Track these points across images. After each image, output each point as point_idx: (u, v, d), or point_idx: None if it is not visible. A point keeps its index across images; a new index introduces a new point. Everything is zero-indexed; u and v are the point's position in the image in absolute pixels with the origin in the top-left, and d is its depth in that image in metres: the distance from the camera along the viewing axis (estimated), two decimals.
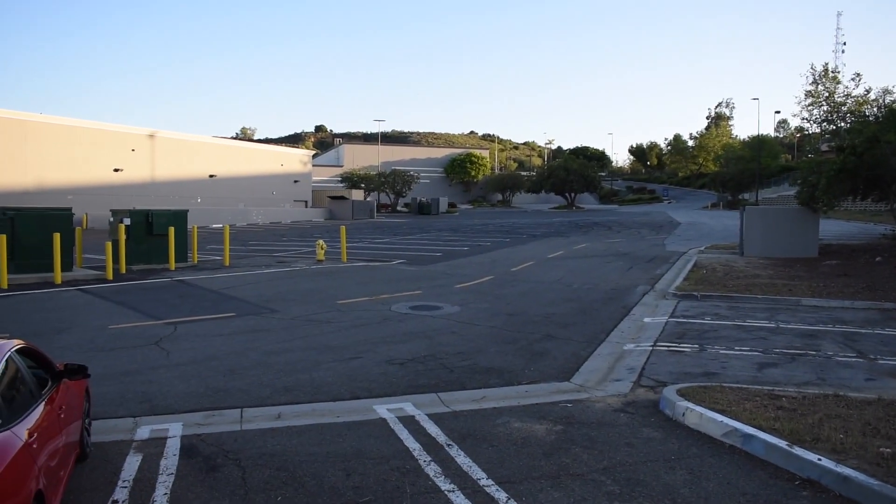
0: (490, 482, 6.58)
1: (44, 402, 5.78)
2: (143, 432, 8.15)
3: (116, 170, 54.51)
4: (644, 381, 10.29)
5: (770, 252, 28.07)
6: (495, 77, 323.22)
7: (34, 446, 4.99)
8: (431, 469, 6.91)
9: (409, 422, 8.41)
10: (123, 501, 6.27)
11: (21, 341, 6.16)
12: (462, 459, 7.16)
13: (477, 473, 6.79)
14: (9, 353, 5.65)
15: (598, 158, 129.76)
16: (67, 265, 20.95)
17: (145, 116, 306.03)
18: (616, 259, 28.67)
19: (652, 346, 12.49)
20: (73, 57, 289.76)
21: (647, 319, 15.13)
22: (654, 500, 6.16)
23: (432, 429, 8.14)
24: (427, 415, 8.67)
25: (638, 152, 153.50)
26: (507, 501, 6.15)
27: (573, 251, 32.83)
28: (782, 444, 6.96)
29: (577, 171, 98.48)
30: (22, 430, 4.97)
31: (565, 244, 36.90)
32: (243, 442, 7.79)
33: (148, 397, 9.52)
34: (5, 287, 18.97)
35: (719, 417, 7.89)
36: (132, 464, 7.17)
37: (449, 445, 7.58)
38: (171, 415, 8.79)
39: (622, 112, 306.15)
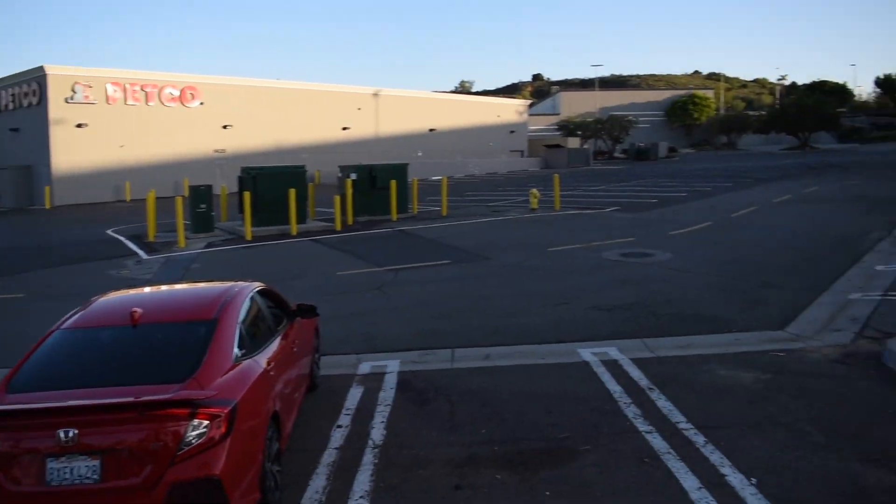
0: (689, 426, 6.60)
1: (280, 337, 6.61)
2: (365, 367, 8.97)
3: (345, 128, 57.99)
4: (868, 331, 9.61)
5: None
6: (720, 8, 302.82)
7: (272, 374, 5.78)
8: (630, 411, 7.04)
9: (612, 365, 8.54)
10: (347, 426, 7.02)
11: (261, 284, 7.05)
12: (662, 403, 7.21)
13: (676, 417, 6.82)
14: (251, 293, 6.51)
15: (837, 93, 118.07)
16: (302, 218, 22.94)
17: (371, 76, 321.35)
18: (850, 203, 26.36)
19: (881, 295, 11.55)
20: (301, 23, 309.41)
21: (879, 267, 13.95)
22: (864, 453, 5.89)
23: (634, 373, 8.22)
24: (630, 359, 8.74)
25: (886, 84, 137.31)
26: (704, 445, 6.16)
27: (802, 195, 30.59)
28: None
29: (811, 107, 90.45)
30: (262, 360, 5.77)
31: (794, 188, 34.42)
32: (453, 379, 8.34)
33: (369, 337, 10.39)
34: (250, 238, 21.19)
35: None
36: (354, 395, 7.96)
37: (650, 389, 7.64)
38: (390, 352, 9.57)
39: (868, 39, 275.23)
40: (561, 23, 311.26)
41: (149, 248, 20.23)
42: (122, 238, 22.76)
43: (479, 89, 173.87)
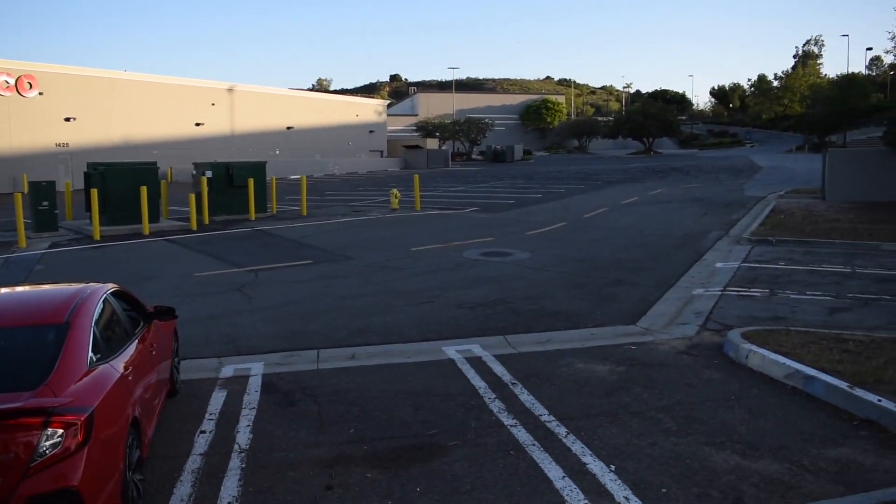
0: (551, 418, 6.88)
1: (137, 340, 6.33)
2: (228, 371, 8.75)
3: (198, 124, 56.07)
4: (710, 324, 10.36)
5: (853, 196, 27.17)
6: (572, 20, 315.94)
7: (130, 378, 5.54)
8: (495, 406, 7.25)
9: (476, 362, 8.76)
10: (211, 431, 6.83)
11: (115, 285, 6.71)
12: (525, 397, 7.47)
13: (539, 410, 7.10)
14: (105, 295, 6.20)
15: (677, 102, 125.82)
16: (154, 217, 21.99)
17: (224, 71, 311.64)
18: (692, 205, 28.24)
19: (721, 290, 12.47)
20: (151, 14, 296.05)
21: (718, 265, 15.05)
22: (710, 437, 6.36)
23: (498, 368, 8.47)
24: (494, 356, 9.00)
25: (720, 94, 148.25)
26: (566, 436, 6.44)
27: (648, 197, 32.45)
28: (843, 385, 7.02)
29: (655, 114, 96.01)
30: (119, 364, 5.52)
31: (640, 190, 36.44)
32: (319, 380, 8.28)
33: (231, 339, 10.13)
34: (98, 238, 20.08)
35: (782, 359, 7.96)
36: (218, 399, 7.75)
37: (513, 384, 7.90)
38: (253, 355, 9.37)
39: (704, 53, 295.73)
40: (419, 24, 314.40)
41: None
42: None
43: (337, 88, 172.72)
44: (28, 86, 44.08)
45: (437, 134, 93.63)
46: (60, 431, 4.33)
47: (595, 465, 5.85)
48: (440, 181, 48.08)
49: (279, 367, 8.88)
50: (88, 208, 20.56)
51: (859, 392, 6.81)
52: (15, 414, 4.25)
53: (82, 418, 4.44)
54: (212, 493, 5.58)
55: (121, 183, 21.37)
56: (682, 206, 28.03)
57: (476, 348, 9.36)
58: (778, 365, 7.92)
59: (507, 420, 6.86)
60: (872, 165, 27.72)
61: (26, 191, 21.89)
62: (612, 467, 5.81)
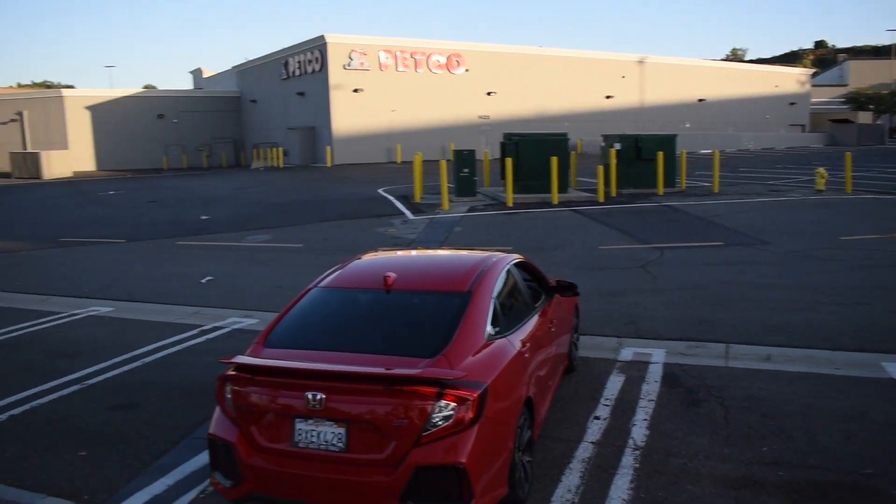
0: None
1: (537, 315, 6.11)
2: (627, 354, 8.27)
3: (608, 97, 56.50)
4: None
5: None
6: None
7: (526, 355, 5.29)
8: None
9: None
10: (605, 419, 6.40)
11: (520, 256, 6.58)
12: None
13: None
14: (508, 265, 6.05)
15: None
16: (563, 187, 22.42)
17: (637, 44, 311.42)
18: None
19: None
20: None
21: None
22: None
23: None
24: None
25: None
26: None
27: None
28: None
29: None
30: (517, 339, 5.31)
31: None
32: (727, 380, 7.38)
33: (633, 319, 9.64)
34: (511, 205, 21.07)
35: None
36: (615, 383, 7.31)
37: None
38: (654, 340, 8.79)
39: None
40: None
41: (415, 208, 20.88)
42: (391, 198, 23.78)
43: (753, 58, 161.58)
44: (456, 63, 48.36)
45: (872, 106, 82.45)
46: (453, 405, 4.21)
47: None
48: (875, 160, 42.18)
49: (682, 357, 8.15)
50: (503, 176, 21.66)
51: None
52: (411, 381, 4.22)
53: (475, 394, 4.28)
54: (601, 490, 5.15)
55: (533, 153, 22.11)
56: None
57: None
58: None
59: None
60: None
61: (452, 159, 23.77)
62: None
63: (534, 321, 5.98)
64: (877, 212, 19.71)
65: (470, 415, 4.24)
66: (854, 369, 7.71)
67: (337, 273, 5.87)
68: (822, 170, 25.47)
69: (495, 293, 5.41)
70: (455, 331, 4.79)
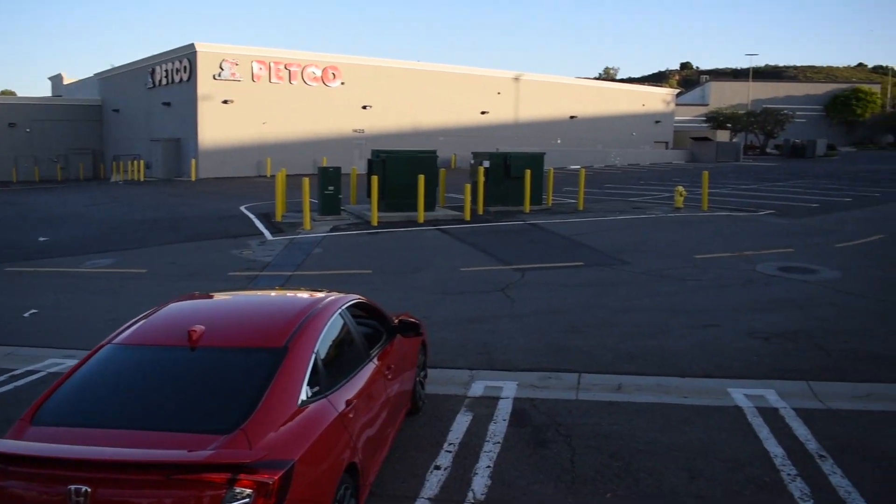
0: None
1: (373, 362, 5.60)
2: (478, 388, 7.92)
3: (483, 112, 57.00)
4: None
5: None
6: None
7: (351, 416, 4.73)
8: (797, 488, 5.59)
9: (771, 416, 7.05)
10: (446, 468, 5.97)
11: (356, 296, 6.03)
12: (838, 480, 5.71)
13: None
14: (341, 308, 5.49)
15: None
16: (430, 205, 22.06)
17: (512, 61, 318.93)
18: None
19: None
20: (443, 5, 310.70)
21: None
22: None
23: (800, 430, 6.70)
24: (794, 409, 7.23)
25: None
26: None
27: None
28: None
29: None
30: (341, 397, 4.74)
31: None
32: (578, 415, 7.12)
33: (487, 349, 9.31)
34: (375, 224, 20.50)
35: None
36: (461, 424, 6.92)
37: (821, 457, 6.12)
38: (508, 371, 8.51)
39: None
40: (713, 9, 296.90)
41: (275, 228, 19.97)
42: (251, 216, 22.74)
43: (625, 76, 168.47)
44: (332, 76, 47.49)
45: (729, 125, 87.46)
46: (249, 492, 3.59)
47: None
48: (730, 177, 44.31)
49: (534, 390, 7.87)
50: (370, 194, 21.08)
51: None
52: (197, 468, 3.56)
53: (276, 476, 3.68)
54: None
55: (400, 170, 21.65)
56: None
57: (771, 395, 7.62)
58: None
59: None
60: None
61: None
62: None
63: (367, 371, 5.43)
64: (730, 229, 20.41)
65: (271, 501, 3.64)
66: (701, 397, 7.64)
67: (137, 325, 5.05)
68: (680, 188, 26.30)
69: (318, 346, 4.81)
70: (261, 398, 4.15)
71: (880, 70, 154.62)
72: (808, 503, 5.37)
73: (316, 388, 4.54)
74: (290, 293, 6.26)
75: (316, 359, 4.69)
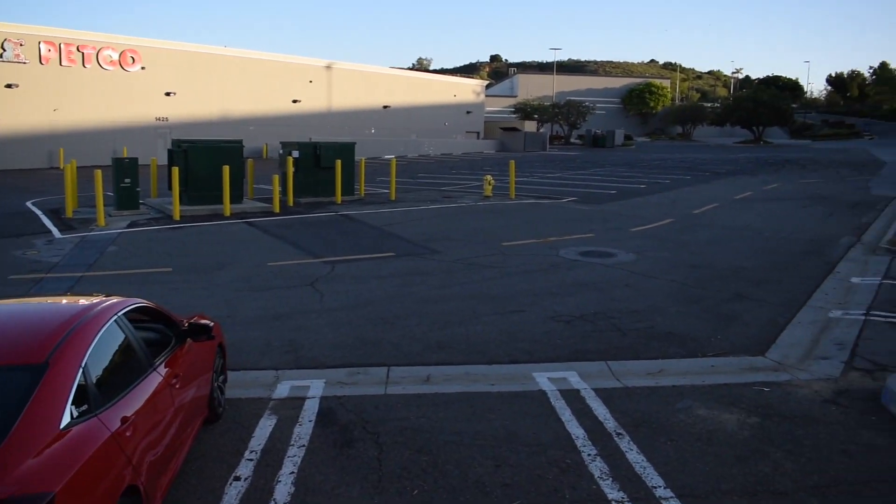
0: (669, 493, 5.36)
1: (156, 372, 5.12)
2: (283, 389, 7.58)
3: (295, 101, 55.85)
4: (858, 361, 8.52)
5: None
6: (680, 0, 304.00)
7: (128, 434, 4.27)
8: (597, 468, 5.77)
9: (573, 398, 7.28)
10: (247, 479, 5.62)
11: (137, 300, 5.51)
12: (634, 456, 5.96)
13: (652, 479, 5.58)
14: (117, 315, 4.98)
15: (790, 89, 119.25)
16: (237, 197, 21.19)
17: (325, 49, 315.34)
18: (813, 203, 25.64)
19: (864, 314, 10.51)
20: None
21: (855, 280, 12.98)
22: None
23: (600, 410, 6.97)
24: (594, 389, 7.51)
25: (837, 82, 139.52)
26: None
27: (763, 192, 29.88)
28: None
29: (767, 102, 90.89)
30: (115, 416, 4.25)
31: (754, 184, 33.74)
32: (385, 410, 6.98)
33: (294, 346, 8.98)
34: (178, 218, 19.41)
35: None
36: (265, 429, 6.57)
37: (619, 435, 6.39)
38: (315, 369, 8.21)
39: (820, 37, 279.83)
40: (521, 3, 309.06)
41: (65, 225, 18.36)
42: (38, 212, 20.80)
43: (437, 67, 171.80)
44: (131, 60, 44.57)
45: (536, 116, 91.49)
46: None
47: None
48: (536, 166, 46.27)
49: (342, 387, 7.64)
50: (171, 186, 19.92)
51: None
52: None
53: None
54: None
55: (204, 161, 20.60)
56: (802, 204, 25.47)
57: (573, 377, 7.88)
58: None
59: (611, 492, 5.38)
60: None
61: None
62: None
63: (151, 382, 4.94)
64: (535, 217, 21.22)
65: None
66: (508, 384, 7.76)
67: None
68: (489, 177, 27.06)
69: (87, 360, 4.28)
70: (14, 423, 3.62)
71: (670, 66, 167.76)
72: (607, 481, 5.55)
73: (84, 407, 4.02)
74: (56, 300, 5.60)
75: (85, 374, 4.18)
